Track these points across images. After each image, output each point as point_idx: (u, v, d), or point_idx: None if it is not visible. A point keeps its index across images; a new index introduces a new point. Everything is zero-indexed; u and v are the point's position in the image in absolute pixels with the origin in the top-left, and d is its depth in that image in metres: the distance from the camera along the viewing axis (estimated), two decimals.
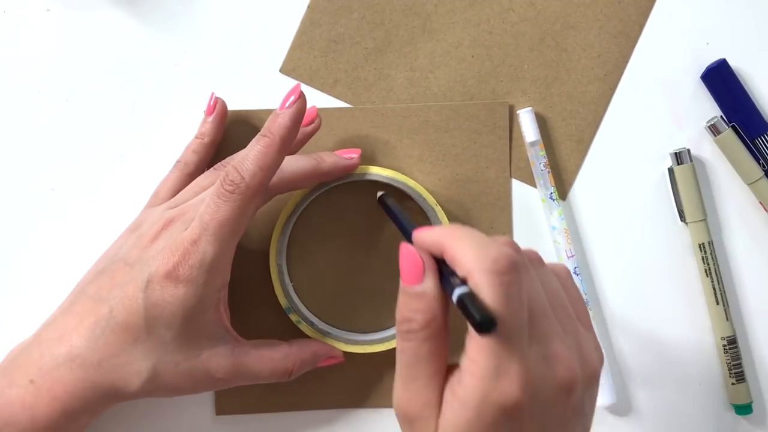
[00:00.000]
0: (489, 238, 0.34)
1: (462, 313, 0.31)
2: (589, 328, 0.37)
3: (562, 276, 0.37)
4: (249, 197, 0.40)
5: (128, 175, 0.48)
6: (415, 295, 0.34)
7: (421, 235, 0.35)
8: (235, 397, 0.48)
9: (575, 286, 0.38)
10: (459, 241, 0.33)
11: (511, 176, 0.49)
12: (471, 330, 0.31)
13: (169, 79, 0.49)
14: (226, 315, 0.43)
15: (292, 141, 0.41)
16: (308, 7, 0.49)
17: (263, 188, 0.40)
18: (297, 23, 0.49)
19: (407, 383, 0.34)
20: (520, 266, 0.32)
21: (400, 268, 0.34)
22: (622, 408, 0.49)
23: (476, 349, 0.32)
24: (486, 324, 0.30)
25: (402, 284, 0.34)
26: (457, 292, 0.32)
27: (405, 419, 0.34)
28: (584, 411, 0.34)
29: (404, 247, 0.35)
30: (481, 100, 0.49)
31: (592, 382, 0.35)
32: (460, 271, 0.33)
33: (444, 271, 0.34)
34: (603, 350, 0.37)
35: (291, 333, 0.46)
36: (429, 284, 0.34)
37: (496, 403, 0.31)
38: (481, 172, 0.49)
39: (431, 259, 0.34)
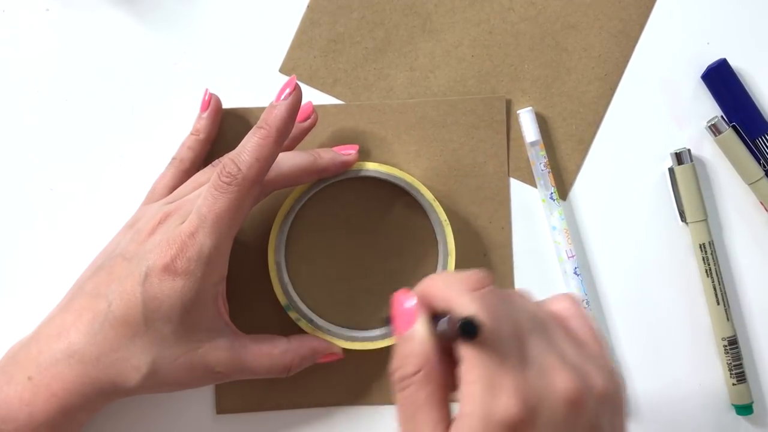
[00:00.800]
0: (460, 272, 0.34)
1: (449, 336, 0.32)
2: (602, 353, 0.35)
3: (566, 306, 0.36)
4: (246, 189, 0.40)
5: (127, 175, 0.48)
6: (405, 339, 0.34)
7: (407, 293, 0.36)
8: (235, 396, 0.48)
9: (582, 314, 0.36)
10: (433, 281, 0.34)
11: (510, 174, 0.49)
12: (462, 357, 0.31)
13: (169, 78, 0.49)
14: (225, 309, 0.43)
15: (288, 133, 0.41)
16: (308, 6, 0.49)
17: (260, 179, 0.40)
18: (297, 23, 0.49)
19: (406, 423, 0.33)
20: (488, 283, 0.33)
21: (393, 321, 0.35)
22: None
23: (468, 369, 0.31)
24: (469, 326, 0.30)
25: (395, 336, 0.35)
26: (442, 320, 0.32)
27: None
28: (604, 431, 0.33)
29: (395, 297, 0.35)
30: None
31: (606, 401, 0.33)
32: (441, 305, 0.33)
33: (435, 319, 0.34)
34: (621, 378, 0.36)
35: (290, 330, 0.46)
36: (418, 328, 0.34)
37: (499, 421, 0.30)
38: (479, 167, 0.49)
39: (422, 307, 0.34)
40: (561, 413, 0.31)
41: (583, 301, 0.48)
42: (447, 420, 0.33)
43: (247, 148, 0.40)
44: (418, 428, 0.32)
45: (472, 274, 0.34)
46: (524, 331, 0.33)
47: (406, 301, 0.35)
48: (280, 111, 0.40)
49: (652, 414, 0.49)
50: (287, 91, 0.41)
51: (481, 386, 0.31)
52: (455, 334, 0.31)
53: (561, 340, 0.34)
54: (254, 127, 0.41)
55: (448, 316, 0.32)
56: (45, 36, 0.49)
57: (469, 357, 0.31)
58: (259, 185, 0.41)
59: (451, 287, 0.33)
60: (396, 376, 0.34)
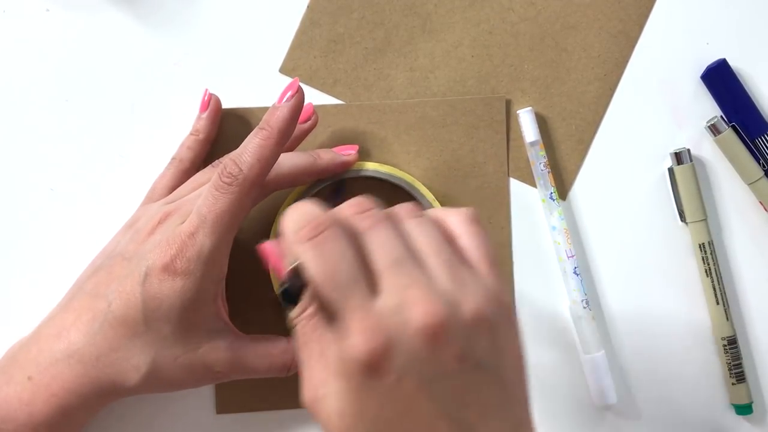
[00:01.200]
0: (305, 206, 0.34)
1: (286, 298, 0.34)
2: (489, 273, 0.34)
3: (457, 223, 0.35)
4: (247, 189, 0.40)
5: (127, 175, 0.48)
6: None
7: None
8: (235, 396, 0.48)
9: (475, 232, 0.35)
10: (285, 223, 0.34)
11: (510, 174, 0.49)
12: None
13: (169, 79, 0.49)
14: (224, 309, 0.43)
15: (290, 134, 0.41)
16: (308, 7, 0.49)
17: (261, 181, 0.40)
18: (297, 23, 0.49)
19: (305, 365, 0.34)
20: (328, 225, 0.33)
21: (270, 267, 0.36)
22: (622, 408, 0.49)
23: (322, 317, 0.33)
24: (289, 292, 0.32)
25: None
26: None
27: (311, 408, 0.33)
28: (479, 359, 0.32)
29: (261, 247, 0.36)
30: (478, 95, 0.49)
31: (480, 325, 0.32)
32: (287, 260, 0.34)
33: None
34: (508, 300, 0.35)
35: (290, 330, 0.46)
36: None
37: (351, 360, 0.31)
38: (479, 167, 0.49)
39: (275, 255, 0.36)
40: (418, 345, 0.31)
41: (582, 301, 0.48)
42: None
43: (249, 149, 0.40)
44: (308, 357, 0.34)
45: (315, 218, 0.33)
46: (382, 266, 0.32)
47: (270, 246, 0.36)
48: (283, 113, 0.41)
49: (651, 414, 0.49)
50: (289, 93, 0.41)
51: (330, 331, 0.32)
52: (282, 302, 0.32)
53: (434, 263, 0.33)
54: (256, 128, 0.41)
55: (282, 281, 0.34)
56: (45, 36, 0.49)
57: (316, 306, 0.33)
58: (260, 186, 0.41)
59: (289, 236, 0.33)
60: (291, 317, 0.34)
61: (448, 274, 0.33)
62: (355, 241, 0.33)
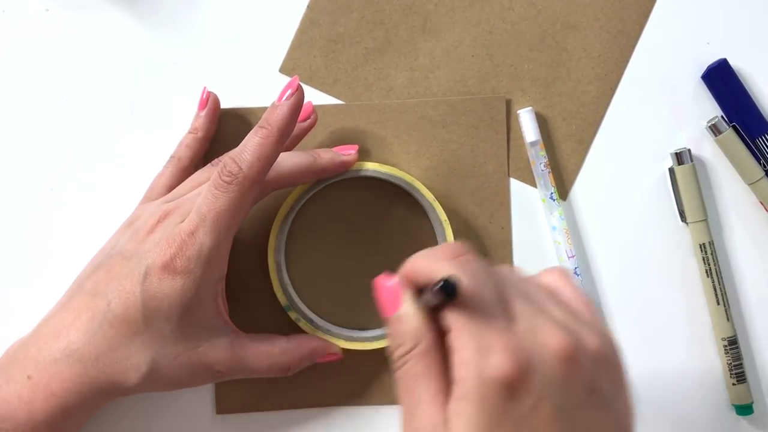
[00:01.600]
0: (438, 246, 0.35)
1: (434, 303, 0.32)
2: (595, 321, 0.35)
3: (557, 278, 0.36)
4: (246, 188, 0.40)
5: (127, 175, 0.48)
6: (396, 320, 0.34)
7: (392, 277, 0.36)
8: (235, 396, 0.48)
9: (573, 285, 0.36)
10: (413, 259, 0.34)
11: (510, 174, 0.49)
12: (449, 325, 0.32)
13: (169, 78, 0.49)
14: (224, 308, 0.43)
15: (289, 133, 0.41)
16: (308, 6, 0.49)
17: (261, 179, 0.40)
18: (297, 23, 0.49)
19: (411, 410, 0.32)
20: (466, 254, 0.33)
21: (379, 306, 0.35)
22: None
23: (456, 336, 0.31)
24: (447, 286, 0.30)
25: (385, 318, 0.34)
26: (425, 291, 0.33)
27: None
28: (604, 395, 0.32)
29: (377, 282, 0.35)
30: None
31: (602, 362, 0.32)
32: (423, 279, 0.33)
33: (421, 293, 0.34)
34: (617, 342, 0.35)
35: (290, 330, 0.46)
36: (407, 306, 0.34)
37: (493, 380, 0.30)
38: (479, 167, 0.49)
39: (406, 285, 0.34)
40: (556, 369, 0.31)
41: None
42: (446, 390, 0.32)
43: (249, 148, 0.40)
44: (417, 400, 0.32)
45: (450, 245, 0.34)
46: (509, 294, 0.33)
47: (388, 282, 0.35)
48: (282, 111, 0.41)
49: (651, 413, 0.49)
50: (289, 92, 0.41)
51: (470, 350, 0.31)
52: (436, 296, 0.31)
53: (550, 305, 0.34)
54: (256, 127, 0.41)
55: (430, 286, 0.32)
56: (45, 36, 0.49)
57: (455, 323, 0.31)
58: (260, 185, 0.41)
59: (431, 259, 0.33)
60: (394, 356, 0.34)
61: (567, 317, 0.33)
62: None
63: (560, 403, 0.31)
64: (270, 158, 0.40)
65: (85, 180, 0.49)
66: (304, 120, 0.46)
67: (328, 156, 0.45)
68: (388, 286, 0.35)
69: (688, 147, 0.49)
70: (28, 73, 0.49)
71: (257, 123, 0.41)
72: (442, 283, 0.31)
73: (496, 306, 0.32)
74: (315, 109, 0.46)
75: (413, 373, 0.33)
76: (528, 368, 0.30)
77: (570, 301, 0.35)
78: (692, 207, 0.48)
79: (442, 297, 0.31)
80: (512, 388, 0.30)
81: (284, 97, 0.41)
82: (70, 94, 0.49)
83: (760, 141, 0.49)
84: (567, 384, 0.31)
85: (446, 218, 0.47)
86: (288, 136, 0.41)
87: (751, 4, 0.50)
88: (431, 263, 0.33)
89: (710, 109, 0.49)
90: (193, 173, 0.45)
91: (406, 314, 0.33)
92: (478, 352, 0.31)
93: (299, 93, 0.41)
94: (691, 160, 0.48)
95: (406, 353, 0.33)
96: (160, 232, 0.41)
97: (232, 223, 0.40)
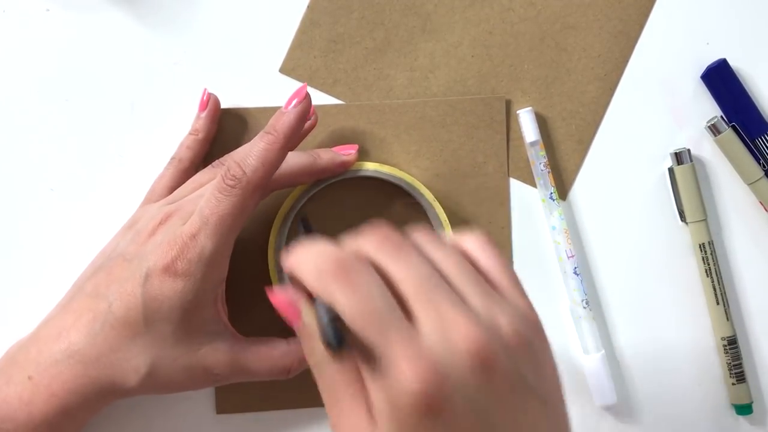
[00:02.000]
0: (319, 246, 0.32)
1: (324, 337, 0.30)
2: (513, 294, 0.33)
3: (473, 247, 0.34)
4: (250, 192, 0.40)
5: (127, 175, 0.48)
6: (302, 329, 0.33)
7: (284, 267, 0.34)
8: (235, 396, 0.48)
9: (493, 254, 0.34)
10: (298, 265, 0.32)
11: (510, 174, 0.49)
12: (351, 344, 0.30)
13: (169, 78, 0.49)
14: (224, 311, 0.43)
15: (295, 140, 0.41)
16: (308, 6, 0.49)
17: (264, 184, 0.40)
18: (297, 23, 0.49)
19: (331, 408, 0.32)
20: (351, 261, 0.31)
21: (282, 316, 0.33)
22: (622, 408, 0.49)
23: (359, 358, 0.30)
24: (331, 333, 0.29)
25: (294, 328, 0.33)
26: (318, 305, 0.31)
27: None
28: (528, 384, 0.30)
29: (271, 297, 0.33)
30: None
31: (521, 348, 0.30)
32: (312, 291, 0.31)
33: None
34: (537, 316, 0.33)
35: (290, 332, 0.46)
36: (306, 319, 0.32)
37: (404, 404, 0.28)
38: (479, 167, 0.49)
39: (300, 293, 0.33)
40: (472, 373, 0.29)
41: (582, 301, 0.48)
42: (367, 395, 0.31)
43: (254, 153, 0.40)
44: (346, 411, 0.31)
45: (333, 256, 0.31)
46: (412, 293, 0.30)
47: (281, 296, 0.33)
48: (289, 118, 0.41)
49: (651, 414, 0.49)
50: (296, 100, 0.41)
51: (375, 372, 0.29)
52: (324, 337, 0.29)
53: (462, 282, 0.32)
54: (262, 132, 0.41)
55: (319, 309, 0.31)
56: (45, 36, 0.49)
57: (354, 345, 0.30)
58: (263, 190, 0.41)
59: (313, 271, 0.31)
60: (310, 363, 0.32)
61: (479, 296, 0.31)
62: (380, 271, 0.31)
63: (482, 406, 0.29)
64: (274, 164, 0.41)
65: (85, 180, 0.49)
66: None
67: (328, 156, 0.46)
68: (282, 299, 0.33)
69: (687, 147, 0.49)
70: (29, 73, 0.49)
71: (258, 125, 0.41)
72: (325, 325, 0.29)
73: (392, 317, 0.30)
74: (315, 110, 0.46)
75: (332, 379, 0.32)
76: (439, 381, 0.28)
77: (488, 271, 0.33)
78: (692, 207, 0.48)
79: (328, 343, 0.29)
80: (427, 406, 0.28)
81: (292, 105, 0.41)
82: (70, 94, 0.49)
83: (759, 141, 0.49)
84: (486, 386, 0.29)
85: (446, 218, 0.47)
86: (293, 143, 0.41)
87: (751, 4, 0.50)
88: (313, 279, 0.31)
89: (710, 109, 0.50)
90: (193, 174, 0.45)
91: (311, 324, 0.32)
92: (382, 375, 0.29)
93: (307, 101, 0.41)
94: (691, 160, 0.48)
95: (320, 362, 0.32)
96: (161, 234, 0.41)
97: (234, 227, 0.40)
